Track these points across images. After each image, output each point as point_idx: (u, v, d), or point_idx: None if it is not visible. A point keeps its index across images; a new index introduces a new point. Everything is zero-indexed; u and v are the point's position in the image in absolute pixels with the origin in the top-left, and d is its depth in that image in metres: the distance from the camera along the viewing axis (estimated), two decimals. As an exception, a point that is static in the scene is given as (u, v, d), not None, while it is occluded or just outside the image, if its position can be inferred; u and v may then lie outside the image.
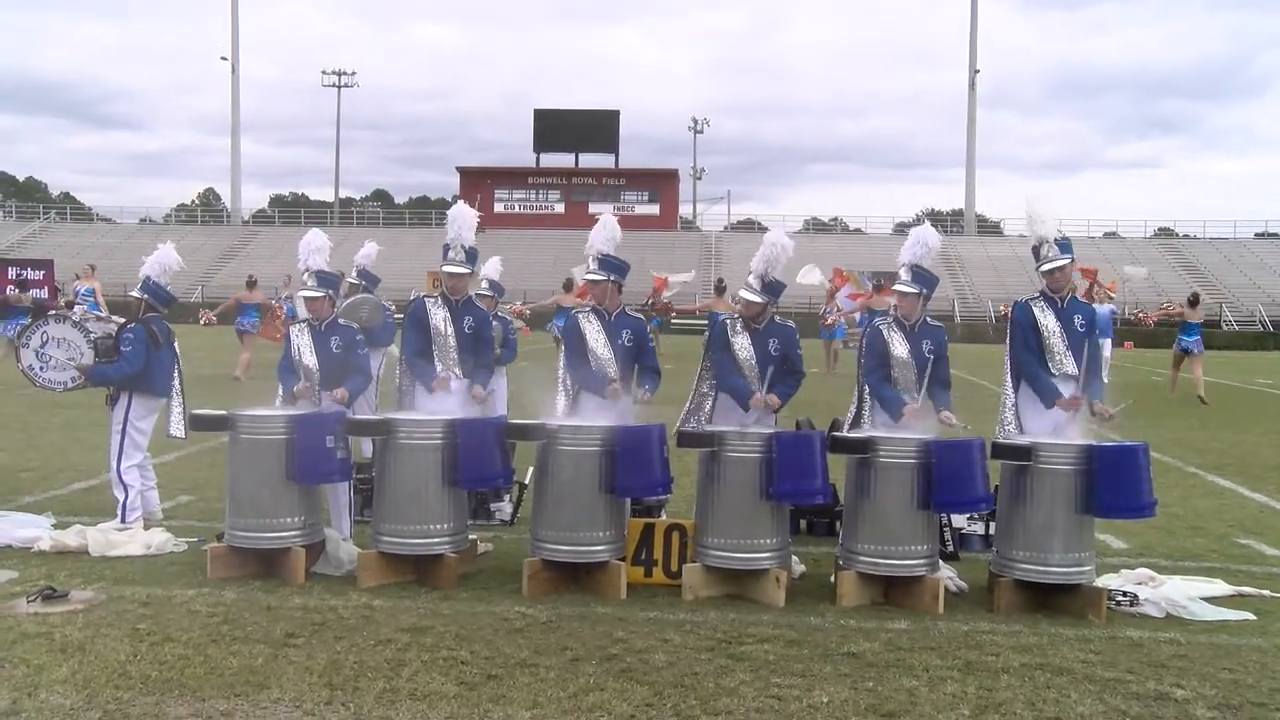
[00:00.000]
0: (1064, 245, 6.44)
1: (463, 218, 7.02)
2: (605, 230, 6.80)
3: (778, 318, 6.64)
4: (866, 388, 6.56)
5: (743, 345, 6.49)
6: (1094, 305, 19.90)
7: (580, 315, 6.78)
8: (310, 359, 6.73)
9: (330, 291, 6.96)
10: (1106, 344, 21.75)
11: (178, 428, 7.21)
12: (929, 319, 6.58)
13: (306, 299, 6.89)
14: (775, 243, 6.58)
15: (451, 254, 6.89)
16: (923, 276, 6.51)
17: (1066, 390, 6.35)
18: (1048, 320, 6.41)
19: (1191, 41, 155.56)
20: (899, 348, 6.45)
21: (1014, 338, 6.54)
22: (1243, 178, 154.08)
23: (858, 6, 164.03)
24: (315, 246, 7.07)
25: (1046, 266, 6.41)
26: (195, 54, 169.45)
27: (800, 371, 6.59)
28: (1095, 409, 6.36)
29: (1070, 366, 6.38)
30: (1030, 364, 6.45)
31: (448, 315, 6.86)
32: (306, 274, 6.91)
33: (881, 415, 6.45)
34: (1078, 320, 6.42)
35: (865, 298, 22.33)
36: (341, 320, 7.02)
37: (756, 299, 6.48)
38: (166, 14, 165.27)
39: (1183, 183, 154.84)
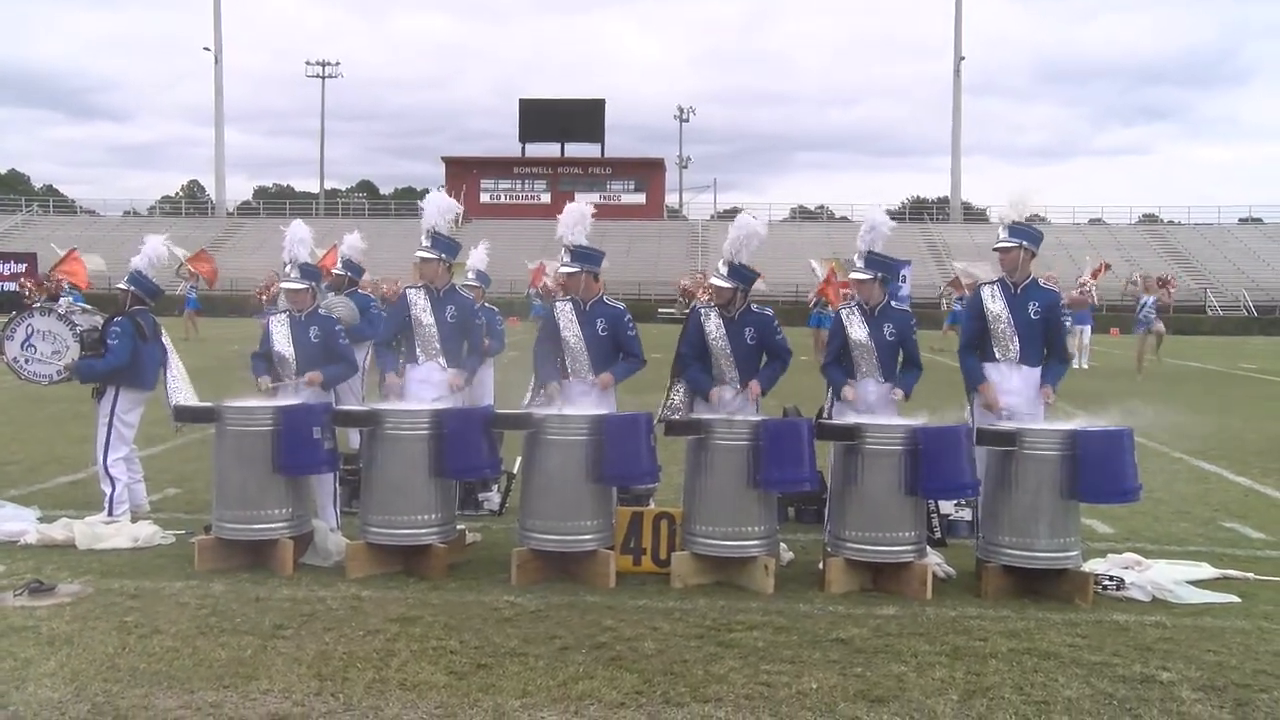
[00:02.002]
0: (1016, 230, 6.50)
1: (435, 205, 7.00)
2: (575, 219, 6.79)
3: (755, 305, 6.64)
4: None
5: (716, 334, 6.51)
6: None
7: (557, 304, 6.83)
8: (287, 349, 6.73)
9: (313, 283, 6.94)
10: (1086, 330, 22.12)
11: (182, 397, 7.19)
12: (894, 304, 6.63)
13: (290, 291, 6.86)
14: (745, 226, 6.59)
15: (422, 240, 6.90)
16: (877, 261, 6.58)
17: (1008, 376, 6.45)
18: (995, 306, 6.52)
19: (1178, 30, 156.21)
20: (858, 331, 6.56)
21: (964, 322, 6.73)
22: (1229, 165, 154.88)
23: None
24: (299, 238, 7.03)
25: (993, 246, 6.68)
26: (180, 45, 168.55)
27: (781, 356, 6.60)
28: (1042, 391, 6.48)
29: (1014, 352, 6.45)
30: (962, 348, 6.69)
31: (428, 305, 6.85)
32: (290, 265, 6.88)
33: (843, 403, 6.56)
34: (1032, 307, 6.46)
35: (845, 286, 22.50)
36: (322, 310, 6.99)
37: (725, 284, 6.50)
38: (152, 4, 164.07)
39: (1169, 170, 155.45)
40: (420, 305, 6.85)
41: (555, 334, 6.70)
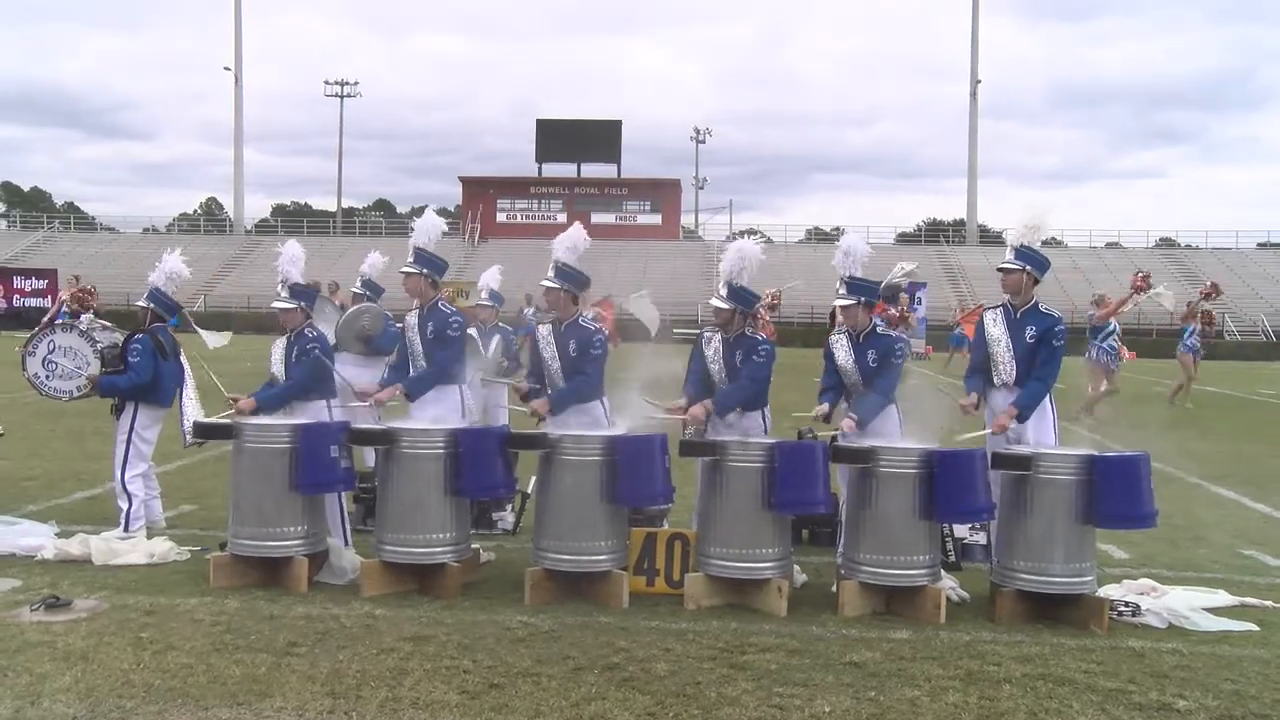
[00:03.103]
0: (1022, 254, 6.48)
1: (422, 224, 7.08)
2: (571, 240, 6.83)
3: (748, 330, 6.63)
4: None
5: (714, 356, 6.57)
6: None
7: (540, 325, 6.90)
8: (279, 369, 6.84)
9: (303, 303, 6.93)
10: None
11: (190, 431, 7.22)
12: (879, 329, 6.63)
13: (279, 310, 6.88)
14: (741, 250, 6.63)
15: (408, 257, 6.96)
16: (858, 286, 6.57)
17: (1006, 399, 6.43)
18: (995, 329, 6.55)
19: (1193, 54, 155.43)
20: (844, 357, 6.58)
21: (973, 346, 6.76)
22: (1246, 188, 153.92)
23: (861, 18, 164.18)
24: (290, 257, 7.00)
25: (997, 267, 6.66)
26: (201, 64, 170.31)
27: (744, 378, 6.46)
28: (998, 418, 6.41)
29: (1009, 375, 6.44)
30: (967, 371, 6.73)
31: (415, 322, 6.94)
32: (281, 285, 6.90)
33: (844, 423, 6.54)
34: (1029, 331, 6.45)
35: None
36: (309, 332, 6.92)
37: (724, 306, 6.53)
38: (174, 25, 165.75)
39: (1186, 193, 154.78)
40: (410, 324, 6.99)
41: (538, 354, 6.79)
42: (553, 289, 6.70)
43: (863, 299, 6.55)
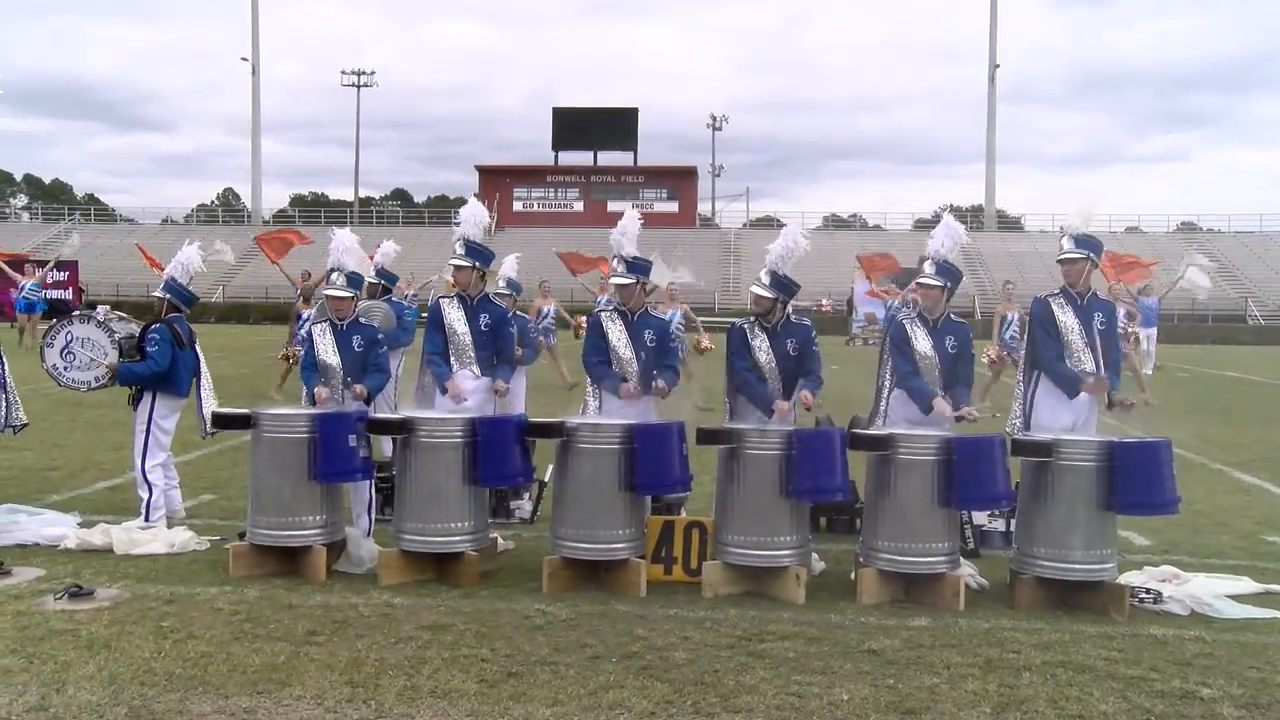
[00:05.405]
0: (1081, 240, 6.45)
1: (470, 215, 7.09)
2: (630, 232, 6.81)
3: (793, 316, 6.62)
4: (886, 384, 6.56)
5: (761, 347, 6.49)
6: (1143, 298, 19.56)
7: (604, 314, 6.83)
8: (333, 358, 6.81)
9: (357, 292, 7.06)
10: (1152, 334, 21.66)
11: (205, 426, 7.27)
12: (953, 315, 6.56)
13: (335, 298, 6.92)
14: (793, 238, 6.57)
15: (456, 249, 6.97)
16: (947, 270, 6.50)
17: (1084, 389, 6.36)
18: (1066, 317, 6.44)
19: (1216, 36, 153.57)
20: (922, 343, 6.44)
21: (1033, 334, 6.59)
22: (1270, 171, 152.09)
23: (879, 3, 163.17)
24: (346, 247, 7.10)
25: (1058, 257, 6.59)
26: (219, 56, 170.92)
27: (816, 374, 6.52)
28: (1113, 399, 6.46)
29: (1089, 364, 6.38)
30: (1049, 359, 6.48)
31: (462, 314, 6.94)
32: (337, 274, 6.96)
33: (902, 411, 6.45)
34: (1098, 318, 6.42)
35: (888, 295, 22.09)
36: (363, 319, 7.09)
37: (765, 294, 6.48)
38: (192, 16, 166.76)
39: (1209, 176, 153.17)
40: (455, 315, 6.94)
41: (603, 344, 6.73)
42: (629, 284, 6.71)
43: (949, 284, 6.49)
